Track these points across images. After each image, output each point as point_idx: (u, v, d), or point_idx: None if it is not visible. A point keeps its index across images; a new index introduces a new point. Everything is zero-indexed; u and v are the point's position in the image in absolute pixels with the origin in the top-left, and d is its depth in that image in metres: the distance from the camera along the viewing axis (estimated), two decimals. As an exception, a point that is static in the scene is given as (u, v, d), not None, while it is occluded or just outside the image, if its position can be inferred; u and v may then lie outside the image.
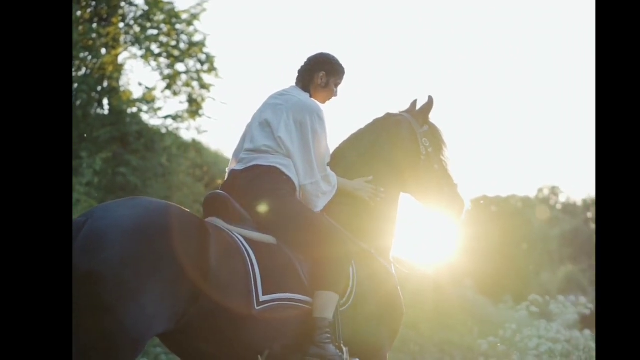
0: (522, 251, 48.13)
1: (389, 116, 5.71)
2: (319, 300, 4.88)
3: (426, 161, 5.60)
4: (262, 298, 4.68)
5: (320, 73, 5.40)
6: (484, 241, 36.00)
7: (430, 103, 5.72)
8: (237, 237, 4.82)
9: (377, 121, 5.70)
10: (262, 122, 5.26)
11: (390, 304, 5.27)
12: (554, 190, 79.08)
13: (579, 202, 74.91)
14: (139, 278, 4.21)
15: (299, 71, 5.48)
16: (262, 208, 4.99)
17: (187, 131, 17.09)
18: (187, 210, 4.68)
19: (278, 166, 5.10)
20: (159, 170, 15.87)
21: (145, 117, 16.62)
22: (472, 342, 22.31)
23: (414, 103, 5.80)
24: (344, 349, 4.93)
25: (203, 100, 16.73)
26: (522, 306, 9.81)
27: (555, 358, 8.49)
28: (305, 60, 5.49)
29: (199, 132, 17.01)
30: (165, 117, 16.54)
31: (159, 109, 16.54)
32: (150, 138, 16.17)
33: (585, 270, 58.73)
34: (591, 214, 68.70)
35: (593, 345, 8.65)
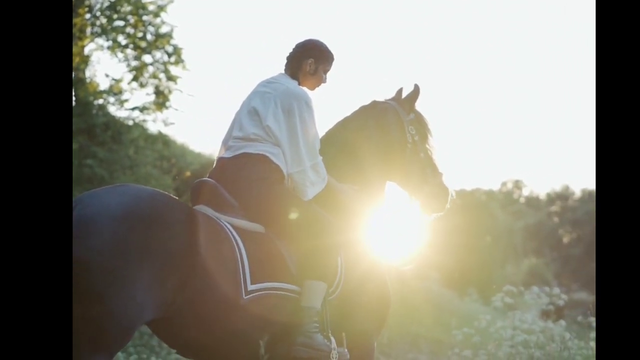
0: (486, 244, 48.41)
1: (375, 104, 5.71)
2: (307, 289, 4.86)
3: (412, 149, 5.60)
4: (250, 287, 4.66)
5: (309, 60, 5.36)
6: (449, 234, 36.16)
7: (416, 91, 5.72)
8: (225, 225, 4.79)
9: (363, 108, 5.69)
10: (251, 110, 5.21)
11: (377, 294, 5.25)
12: (518, 184, 79.71)
13: (543, 196, 75.57)
14: (128, 265, 4.18)
15: (287, 58, 5.43)
16: (251, 196, 4.96)
17: (153, 123, 17.00)
18: (175, 197, 4.64)
19: (267, 154, 5.06)
20: (126, 162, 15.77)
21: (112, 108, 16.50)
22: (440, 334, 22.41)
23: (400, 91, 5.80)
24: (332, 338, 4.92)
25: (170, 92, 16.65)
26: (497, 297, 9.81)
27: (530, 349, 8.49)
28: (293, 47, 5.44)
29: (166, 124, 16.93)
30: (132, 109, 16.44)
31: (126, 100, 16.44)
32: (117, 130, 16.06)
33: (549, 263, 59.27)
34: (554, 208, 69.31)
35: (568, 335, 8.66)
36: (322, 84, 5.46)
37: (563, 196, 69.27)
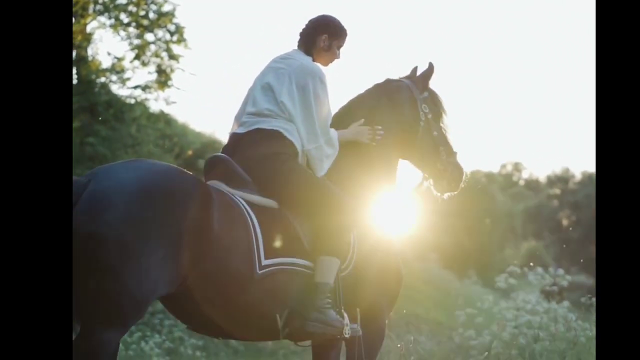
0: (485, 227, 48.42)
1: (389, 82, 5.68)
2: (320, 265, 4.86)
3: (425, 128, 5.57)
4: (264, 262, 4.66)
5: (323, 36, 5.33)
6: (448, 216, 36.18)
7: (430, 70, 5.70)
8: (239, 200, 4.78)
9: (377, 86, 5.66)
10: (264, 86, 5.19)
11: (389, 270, 5.25)
12: (517, 167, 79.70)
13: (542, 179, 75.56)
14: (142, 240, 4.18)
15: (301, 34, 5.40)
16: (264, 172, 4.95)
17: (155, 102, 17.00)
18: (189, 172, 4.63)
19: (280, 130, 5.05)
20: (128, 140, 15.79)
21: (114, 87, 16.50)
22: (439, 316, 22.46)
23: (415, 70, 5.78)
24: (345, 314, 4.92)
25: (172, 71, 16.66)
26: (500, 278, 9.80)
27: (534, 329, 8.49)
28: (306, 22, 5.41)
29: (168, 103, 16.97)
30: (134, 88, 16.43)
31: (128, 79, 16.44)
32: (119, 108, 16.08)
33: (548, 246, 59.28)
34: (554, 190, 69.33)
35: (572, 316, 8.67)
36: (336, 60, 5.43)
37: (563, 179, 69.29)
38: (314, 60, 5.33)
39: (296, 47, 5.40)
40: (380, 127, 5.42)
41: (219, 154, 5.15)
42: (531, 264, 10.12)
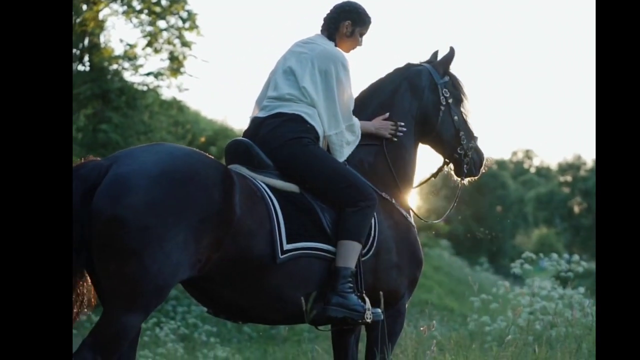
0: (496, 214, 48.42)
1: (409, 66, 5.67)
2: (341, 249, 4.85)
3: (446, 112, 5.56)
4: (285, 247, 4.66)
5: (346, 22, 5.32)
6: (459, 203, 36.27)
7: (451, 54, 5.68)
8: (260, 184, 4.79)
9: (397, 71, 5.64)
10: (286, 70, 5.20)
11: (410, 254, 5.25)
12: (528, 154, 79.64)
13: (554, 166, 75.44)
14: (163, 224, 4.18)
15: (325, 19, 5.40)
16: (286, 156, 4.95)
17: (168, 89, 17.00)
18: (211, 156, 4.63)
19: (302, 114, 5.05)
20: (140, 127, 15.80)
21: (126, 74, 16.50)
22: (451, 302, 22.44)
23: (435, 54, 5.77)
24: (366, 298, 4.92)
25: (184, 58, 16.64)
26: (515, 263, 9.77)
27: (549, 315, 8.46)
28: (331, 8, 5.41)
29: (180, 90, 16.95)
30: (147, 75, 16.43)
31: (140, 66, 16.44)
32: (132, 95, 16.08)
33: (559, 233, 59.24)
34: (565, 177, 69.18)
35: (587, 301, 8.63)
36: (358, 47, 5.42)
37: (574, 166, 69.13)
38: (336, 46, 5.32)
39: (319, 32, 5.39)
40: (402, 124, 5.41)
41: (240, 138, 5.16)
42: (541, 254, 10.03)
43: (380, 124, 5.37)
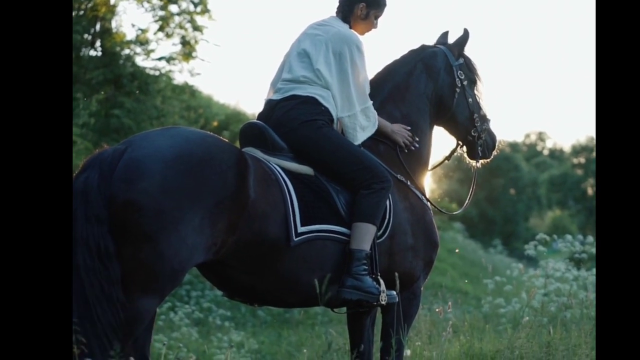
0: (510, 196, 48.32)
1: (424, 47, 5.66)
2: (356, 232, 4.85)
3: (461, 94, 5.55)
4: (300, 229, 4.67)
5: (361, 4, 5.29)
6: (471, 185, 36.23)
7: (466, 36, 5.68)
8: (274, 167, 4.79)
9: (412, 52, 5.64)
10: (301, 53, 5.19)
11: (425, 236, 5.25)
12: (541, 136, 79.44)
13: (567, 148, 75.23)
14: (178, 208, 4.19)
15: (339, 1, 5.38)
16: (300, 138, 4.94)
17: (180, 74, 17.00)
18: (225, 140, 4.63)
19: (316, 97, 5.04)
20: (152, 112, 15.78)
21: (138, 59, 16.48)
22: (465, 285, 22.40)
23: (445, 35, 5.77)
24: (381, 281, 4.92)
25: (196, 42, 16.61)
26: (529, 245, 9.74)
27: (562, 297, 8.45)
28: None
29: (192, 74, 16.93)
30: (159, 59, 16.41)
31: (152, 51, 16.41)
32: (144, 80, 16.05)
33: (573, 215, 59.10)
34: (579, 159, 68.99)
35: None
36: (373, 30, 5.40)
37: (588, 148, 68.88)
38: (350, 28, 5.30)
39: (334, 14, 5.37)
40: (418, 139, 5.40)
41: (254, 120, 5.15)
42: (554, 235, 10.00)
43: (399, 129, 5.36)
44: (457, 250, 27.59)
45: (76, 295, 4.03)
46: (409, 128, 5.38)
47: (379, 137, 5.29)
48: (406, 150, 5.36)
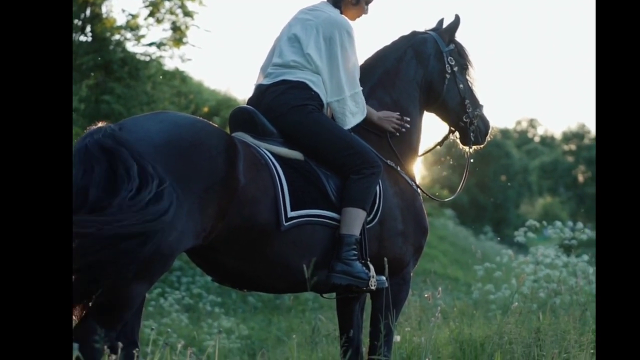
0: (501, 183, 48.39)
1: (415, 34, 5.65)
2: (346, 216, 4.85)
3: (451, 80, 5.54)
4: (290, 214, 4.65)
5: None
6: (463, 172, 36.24)
7: (456, 22, 5.66)
8: (264, 152, 4.77)
9: (403, 38, 5.63)
10: (291, 37, 5.17)
11: (415, 222, 5.25)
12: (532, 123, 79.58)
13: (558, 135, 75.37)
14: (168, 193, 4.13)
15: None
16: (290, 123, 4.93)
17: (170, 59, 16.97)
18: (214, 125, 4.61)
19: (306, 82, 5.03)
20: (143, 98, 15.76)
21: (129, 45, 16.45)
22: (455, 271, 22.47)
23: (441, 22, 5.76)
24: (370, 266, 4.92)
25: (187, 28, 16.58)
26: (519, 232, 9.76)
27: (552, 283, 8.46)
28: None
29: (183, 60, 16.93)
30: (149, 45, 16.39)
31: (143, 36, 16.39)
32: (135, 66, 16.03)
33: (564, 202, 59.23)
34: (570, 146, 69.12)
35: (592, 269, 8.63)
36: (364, 15, 5.39)
37: (579, 135, 69.01)
38: (341, 14, 5.28)
39: (324, 0, 5.35)
40: (408, 119, 5.39)
41: (244, 105, 5.13)
42: (544, 222, 10.01)
43: (385, 115, 5.35)
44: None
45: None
46: (397, 113, 5.38)
47: (367, 126, 5.27)
48: (397, 134, 5.35)
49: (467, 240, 30.47)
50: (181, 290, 14.28)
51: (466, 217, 39.59)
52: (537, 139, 77.50)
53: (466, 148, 5.72)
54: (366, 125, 5.27)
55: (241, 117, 5.02)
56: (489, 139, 5.82)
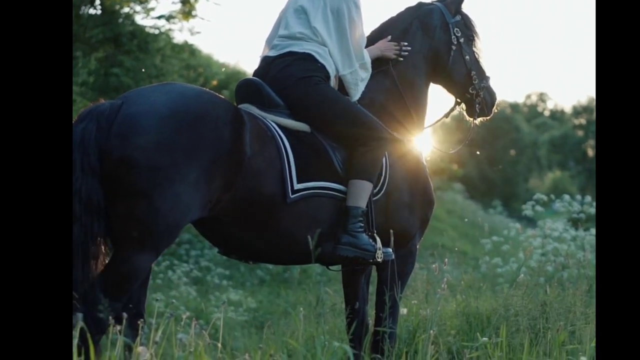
0: (510, 157, 48.30)
1: (421, 5, 5.62)
2: (352, 188, 4.85)
3: (457, 51, 5.52)
4: (296, 186, 4.65)
5: None
6: (473, 147, 36.11)
7: None
8: (270, 124, 4.76)
9: (409, 9, 5.60)
10: (298, 9, 5.14)
11: (422, 193, 5.25)
12: (542, 97, 79.28)
13: (568, 109, 75.09)
14: (174, 164, 4.18)
15: None
16: (296, 95, 4.91)
17: (180, 32, 16.94)
18: (221, 96, 4.60)
19: (312, 53, 5.00)
20: (152, 71, 15.72)
21: (138, 17, 16.41)
22: (464, 245, 22.47)
23: None
24: (377, 238, 4.92)
25: (196, 1, 16.53)
26: (527, 205, 9.75)
27: (560, 257, 8.47)
28: None
29: (192, 33, 16.87)
30: (158, 18, 16.35)
31: (152, 9, 16.34)
32: (144, 39, 15.99)
33: (574, 176, 59.10)
34: (580, 120, 68.86)
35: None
36: None
37: (588, 109, 68.65)
38: None
39: None
40: (406, 43, 5.39)
41: (250, 77, 5.11)
42: (552, 195, 9.99)
43: (385, 46, 5.35)
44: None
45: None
46: (389, 37, 5.38)
47: (374, 69, 5.26)
48: (401, 59, 5.36)
49: (476, 214, 30.40)
50: (190, 263, 14.31)
51: (475, 191, 39.56)
52: (546, 113, 77.20)
53: (472, 120, 5.70)
54: (374, 69, 5.26)
55: (247, 89, 5.00)
56: (495, 111, 5.80)
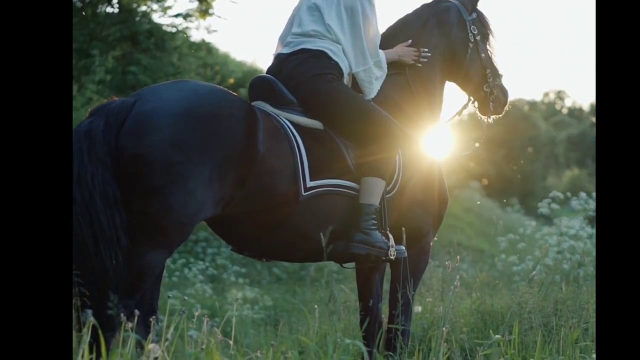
0: (528, 155, 48.11)
1: (437, 2, 5.60)
2: (365, 186, 4.84)
3: (473, 49, 5.52)
4: (309, 184, 4.65)
5: None
6: (490, 144, 36.00)
7: None
8: (284, 121, 4.75)
9: (425, 7, 5.59)
10: (311, 6, 5.12)
11: (435, 191, 5.24)
12: (560, 95, 79.01)
13: (586, 107, 74.80)
14: (187, 161, 4.19)
15: None
16: (309, 92, 4.90)
17: (197, 31, 16.97)
18: (234, 94, 4.61)
19: (326, 50, 4.98)
20: (169, 69, 15.77)
21: (155, 16, 16.46)
22: (481, 243, 22.42)
23: None
24: (390, 235, 4.92)
25: (213, -1, 16.55)
26: (543, 203, 9.73)
27: (576, 255, 8.44)
28: None
29: (209, 31, 16.91)
30: (176, 16, 16.39)
31: (169, 7, 16.39)
32: (161, 37, 16.05)
33: (592, 174, 58.76)
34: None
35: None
36: None
37: (607, 107, 68.00)
38: None
39: None
40: (426, 50, 5.38)
41: (264, 74, 5.11)
42: (568, 193, 9.96)
43: (403, 51, 5.33)
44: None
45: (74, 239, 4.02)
46: (410, 42, 5.37)
47: (390, 72, 5.23)
48: (419, 64, 5.34)
49: (493, 212, 30.35)
50: (206, 261, 14.34)
51: (493, 189, 39.42)
52: (564, 111, 76.92)
53: (485, 117, 5.70)
54: (390, 71, 5.24)
55: (261, 86, 5.00)
56: (507, 109, 5.79)
